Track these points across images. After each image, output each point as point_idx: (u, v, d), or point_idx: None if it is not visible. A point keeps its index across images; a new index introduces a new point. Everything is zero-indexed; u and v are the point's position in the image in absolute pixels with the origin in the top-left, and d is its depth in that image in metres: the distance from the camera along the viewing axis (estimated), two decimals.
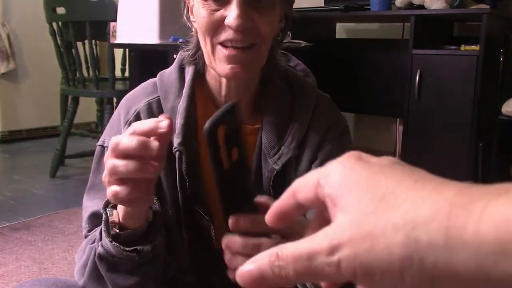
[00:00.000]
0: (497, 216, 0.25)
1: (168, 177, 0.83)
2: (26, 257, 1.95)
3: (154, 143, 0.58)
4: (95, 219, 0.81)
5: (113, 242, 0.69)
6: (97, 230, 0.76)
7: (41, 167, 3.22)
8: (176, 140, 0.81)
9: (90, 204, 0.84)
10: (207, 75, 0.87)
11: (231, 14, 0.75)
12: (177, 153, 0.82)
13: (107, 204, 0.71)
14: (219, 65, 0.79)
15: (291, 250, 0.30)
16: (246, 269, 0.31)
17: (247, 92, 0.88)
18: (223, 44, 0.78)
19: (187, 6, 0.86)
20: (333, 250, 0.29)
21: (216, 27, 0.77)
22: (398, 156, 2.67)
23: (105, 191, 0.83)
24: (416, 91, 2.52)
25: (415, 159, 2.59)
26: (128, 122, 0.84)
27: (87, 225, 0.83)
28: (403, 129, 2.63)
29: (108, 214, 0.70)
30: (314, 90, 0.92)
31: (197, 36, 0.84)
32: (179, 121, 0.83)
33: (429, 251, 0.26)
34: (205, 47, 0.80)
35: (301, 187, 0.33)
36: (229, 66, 0.78)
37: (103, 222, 0.70)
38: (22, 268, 1.86)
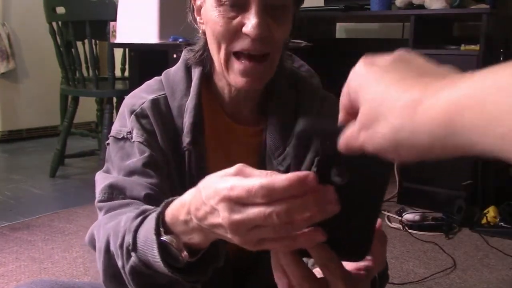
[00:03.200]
0: (444, 101, 0.33)
1: (178, 177, 0.83)
2: (26, 256, 1.95)
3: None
4: (109, 189, 0.77)
5: (176, 274, 0.59)
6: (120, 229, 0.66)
7: (41, 167, 3.22)
8: (185, 140, 0.82)
9: (106, 176, 0.82)
10: (214, 76, 0.87)
11: (250, 22, 0.74)
12: (186, 152, 0.82)
13: (158, 226, 0.59)
14: (232, 76, 0.79)
15: (347, 136, 0.42)
16: (341, 143, 0.43)
17: (255, 95, 0.88)
18: (237, 53, 0.77)
19: (193, 6, 0.85)
20: (357, 136, 0.40)
21: (233, 35, 0.76)
22: None
23: (116, 171, 0.80)
24: None
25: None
26: (134, 112, 0.83)
27: (101, 194, 0.77)
28: None
29: (169, 240, 0.58)
30: (319, 91, 0.92)
31: (204, 38, 0.83)
32: (188, 120, 0.82)
33: (404, 136, 0.36)
34: (218, 55, 0.79)
35: (343, 101, 0.44)
36: (243, 79, 0.78)
37: (157, 247, 0.58)
38: (21, 267, 1.86)
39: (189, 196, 0.55)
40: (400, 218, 2.35)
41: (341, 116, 0.44)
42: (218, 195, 0.47)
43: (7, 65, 3.88)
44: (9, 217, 2.37)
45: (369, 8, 2.79)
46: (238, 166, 0.49)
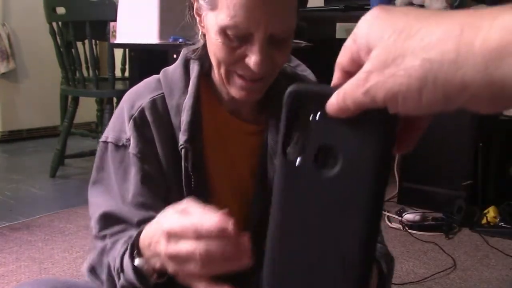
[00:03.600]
0: (502, 26, 0.28)
1: (174, 175, 0.83)
2: (26, 257, 1.95)
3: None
4: (106, 220, 0.82)
5: None
6: (115, 250, 0.76)
7: (41, 167, 3.22)
8: (182, 138, 0.82)
9: (98, 201, 0.84)
10: (213, 73, 0.87)
11: (253, 57, 0.73)
12: (183, 150, 0.82)
13: (132, 251, 0.70)
14: (233, 90, 0.80)
15: (344, 88, 0.34)
16: (331, 102, 0.34)
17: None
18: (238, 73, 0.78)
19: (192, 3, 0.82)
20: (365, 81, 0.32)
21: (234, 62, 0.76)
22: (398, 156, 2.67)
23: (114, 192, 0.84)
24: None
25: (415, 159, 2.59)
26: (133, 117, 0.83)
27: (96, 227, 0.83)
28: None
29: (139, 263, 0.69)
30: None
31: (204, 40, 0.83)
32: (185, 118, 0.82)
33: (441, 69, 0.29)
34: (218, 70, 0.80)
35: (341, 58, 0.37)
36: (243, 92, 0.79)
37: (132, 271, 0.69)
38: (22, 268, 1.86)
39: (150, 225, 0.66)
40: (400, 218, 2.35)
41: (336, 76, 0.37)
42: (161, 228, 0.59)
43: (7, 65, 3.87)
44: (9, 217, 2.37)
45: (369, 8, 2.78)
46: (185, 203, 0.60)
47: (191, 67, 0.87)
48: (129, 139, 0.83)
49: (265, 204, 0.88)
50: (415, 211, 2.41)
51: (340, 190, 0.32)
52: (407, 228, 2.27)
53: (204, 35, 0.82)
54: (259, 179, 0.88)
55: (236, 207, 0.86)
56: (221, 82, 0.82)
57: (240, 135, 0.89)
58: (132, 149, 0.82)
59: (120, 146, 0.84)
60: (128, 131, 0.83)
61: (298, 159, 0.33)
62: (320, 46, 2.70)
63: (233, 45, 0.74)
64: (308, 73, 0.96)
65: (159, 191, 0.83)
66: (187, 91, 0.84)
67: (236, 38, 0.73)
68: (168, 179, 0.84)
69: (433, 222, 2.31)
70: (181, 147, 0.82)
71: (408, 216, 2.33)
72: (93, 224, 0.83)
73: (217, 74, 0.81)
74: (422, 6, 2.58)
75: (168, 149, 0.83)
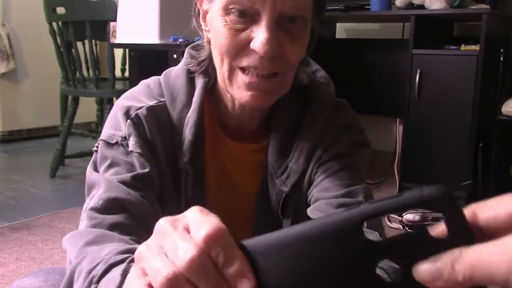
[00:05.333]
0: None
1: (173, 195, 0.76)
2: (26, 257, 1.95)
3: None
4: (114, 204, 0.67)
5: None
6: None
7: (41, 167, 3.22)
8: (183, 158, 0.74)
9: (107, 178, 0.70)
10: (218, 89, 0.78)
11: (259, 37, 0.64)
12: (183, 171, 0.75)
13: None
14: (236, 91, 0.70)
15: (470, 255, 0.28)
16: (424, 267, 0.30)
17: (262, 112, 0.80)
18: (243, 69, 0.68)
19: (199, 10, 0.75)
20: None
21: (238, 50, 0.67)
22: (398, 156, 2.67)
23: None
24: (416, 91, 2.52)
25: (415, 159, 2.59)
26: (130, 118, 0.74)
27: (101, 201, 0.67)
28: (403, 129, 2.63)
29: None
30: (331, 100, 0.83)
31: (209, 48, 0.75)
32: (187, 137, 0.74)
33: None
34: (221, 69, 0.70)
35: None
36: (249, 93, 0.68)
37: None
38: (22, 268, 1.86)
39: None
40: (400, 218, 2.35)
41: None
42: None
43: (7, 65, 3.88)
44: (9, 217, 2.37)
45: (369, 8, 2.79)
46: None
47: (196, 78, 0.79)
48: (125, 138, 0.72)
49: (267, 223, 0.81)
50: (415, 211, 2.41)
51: None
52: (407, 228, 2.27)
53: (209, 42, 0.74)
54: (260, 199, 0.82)
55: (234, 227, 0.82)
56: (224, 85, 0.72)
57: (241, 155, 0.82)
58: (135, 148, 0.71)
59: (113, 144, 0.72)
60: (126, 130, 0.73)
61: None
62: (320, 46, 2.70)
63: (237, 27, 0.66)
64: (328, 81, 0.87)
65: (156, 195, 0.73)
66: (191, 104, 0.76)
67: (240, 16, 0.65)
68: (166, 198, 0.75)
69: (433, 222, 2.30)
70: (181, 167, 0.74)
71: (408, 216, 2.33)
72: (90, 199, 0.69)
73: (219, 75, 0.72)
74: (422, 6, 2.58)
75: (167, 162, 0.75)
